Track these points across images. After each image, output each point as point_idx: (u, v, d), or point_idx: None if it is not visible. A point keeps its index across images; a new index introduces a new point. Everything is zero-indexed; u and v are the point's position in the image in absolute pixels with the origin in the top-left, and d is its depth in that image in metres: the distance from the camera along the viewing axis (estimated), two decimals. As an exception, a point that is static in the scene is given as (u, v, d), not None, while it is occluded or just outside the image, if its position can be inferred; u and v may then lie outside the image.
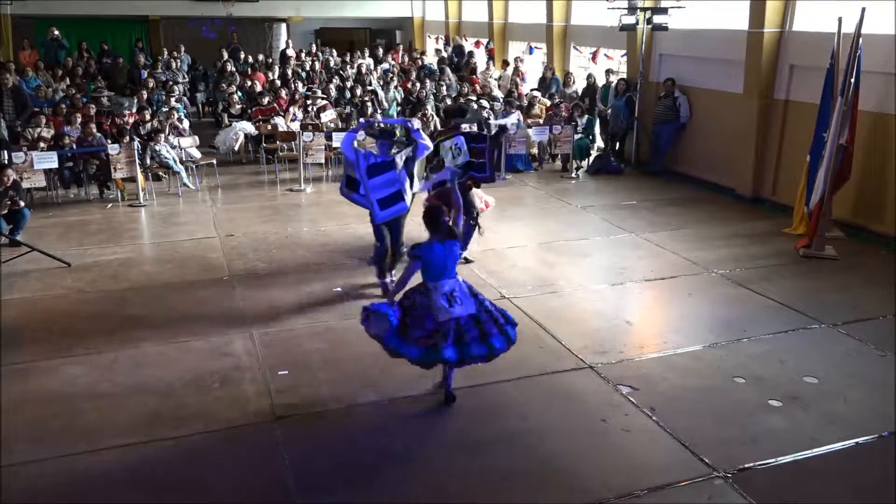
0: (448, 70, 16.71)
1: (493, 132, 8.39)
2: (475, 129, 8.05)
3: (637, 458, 4.62)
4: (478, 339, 4.95)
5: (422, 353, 4.90)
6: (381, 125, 7.09)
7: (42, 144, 10.33)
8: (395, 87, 15.08)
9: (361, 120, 8.02)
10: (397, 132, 6.86)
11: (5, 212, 8.52)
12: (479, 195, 7.89)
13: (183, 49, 18.45)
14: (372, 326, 4.94)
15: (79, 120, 11.29)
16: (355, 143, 6.87)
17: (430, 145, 6.99)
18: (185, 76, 17.47)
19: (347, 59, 18.45)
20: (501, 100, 13.85)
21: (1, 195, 8.53)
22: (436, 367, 5.13)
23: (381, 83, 15.69)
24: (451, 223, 5.01)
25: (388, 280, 7.15)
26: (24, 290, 7.28)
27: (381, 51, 19.93)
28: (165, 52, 18.05)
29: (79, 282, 7.53)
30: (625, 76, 13.19)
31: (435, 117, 12.70)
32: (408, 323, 4.90)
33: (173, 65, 17.25)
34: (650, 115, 12.46)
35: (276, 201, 10.83)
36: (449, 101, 13.72)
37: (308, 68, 17.37)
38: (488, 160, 7.63)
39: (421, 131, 6.98)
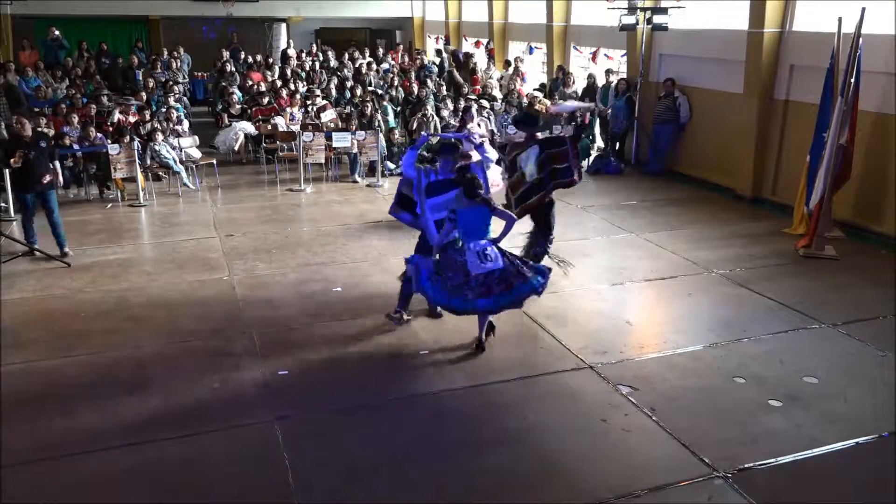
0: (452, 72, 16.68)
1: (572, 133, 7.62)
2: (556, 131, 7.31)
3: (637, 458, 4.61)
4: (505, 291, 5.65)
5: (455, 301, 5.68)
6: (442, 140, 6.50)
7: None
8: (394, 94, 14.63)
9: (423, 134, 7.44)
10: (460, 146, 6.34)
11: (18, 165, 7.81)
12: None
13: (182, 50, 18.42)
14: (412, 276, 5.85)
15: (76, 120, 11.27)
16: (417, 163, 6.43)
17: (495, 157, 6.51)
18: (185, 76, 17.45)
19: (345, 59, 18.44)
20: (500, 100, 13.85)
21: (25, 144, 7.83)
22: (468, 315, 5.85)
23: (382, 83, 15.66)
24: (483, 192, 5.76)
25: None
26: (24, 290, 7.27)
27: (381, 51, 19.92)
28: (165, 52, 18.03)
29: (79, 282, 7.53)
30: (625, 76, 13.19)
31: (435, 117, 12.68)
32: (446, 275, 5.69)
33: (173, 65, 17.23)
34: (650, 115, 12.45)
35: (276, 201, 10.83)
36: (450, 102, 13.67)
37: (308, 68, 17.36)
38: (571, 162, 7.03)
39: (485, 144, 6.46)
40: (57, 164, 8.20)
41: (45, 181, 7.97)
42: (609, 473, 4.44)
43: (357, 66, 17.41)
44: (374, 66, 17.23)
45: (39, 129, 8.39)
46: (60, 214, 8.29)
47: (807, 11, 9.92)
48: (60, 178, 8.35)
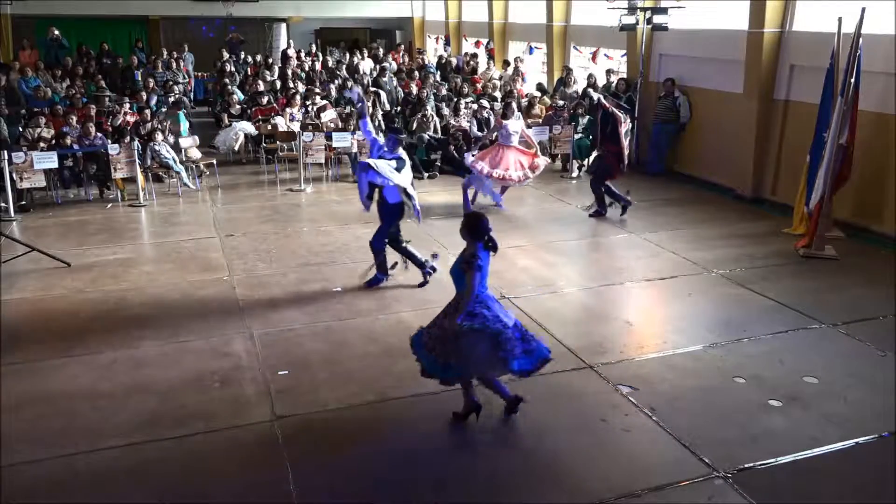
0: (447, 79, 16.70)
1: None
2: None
3: (637, 458, 4.62)
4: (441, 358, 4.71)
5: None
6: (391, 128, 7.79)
7: (42, 144, 10.34)
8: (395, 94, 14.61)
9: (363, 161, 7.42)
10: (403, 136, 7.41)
11: None
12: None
13: (187, 47, 18.36)
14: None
15: (74, 120, 11.26)
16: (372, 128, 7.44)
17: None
18: (190, 75, 17.44)
19: (347, 59, 18.45)
20: (500, 100, 13.84)
21: None
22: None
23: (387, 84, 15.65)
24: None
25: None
26: (24, 290, 7.27)
27: (381, 51, 19.91)
28: (165, 52, 18.02)
29: (79, 282, 7.53)
30: (625, 76, 13.19)
31: (435, 117, 12.68)
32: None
33: (174, 65, 17.23)
34: (650, 115, 12.45)
35: (276, 201, 10.83)
36: (453, 100, 13.65)
37: (308, 68, 17.36)
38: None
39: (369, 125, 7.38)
40: None
41: None
42: (609, 473, 4.44)
43: (355, 64, 17.39)
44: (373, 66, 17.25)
45: None
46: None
47: (807, 11, 9.92)
48: None
